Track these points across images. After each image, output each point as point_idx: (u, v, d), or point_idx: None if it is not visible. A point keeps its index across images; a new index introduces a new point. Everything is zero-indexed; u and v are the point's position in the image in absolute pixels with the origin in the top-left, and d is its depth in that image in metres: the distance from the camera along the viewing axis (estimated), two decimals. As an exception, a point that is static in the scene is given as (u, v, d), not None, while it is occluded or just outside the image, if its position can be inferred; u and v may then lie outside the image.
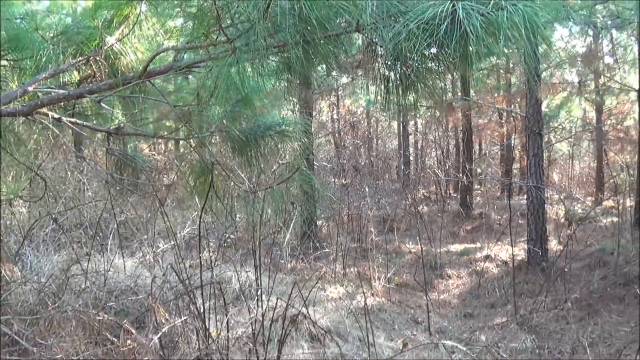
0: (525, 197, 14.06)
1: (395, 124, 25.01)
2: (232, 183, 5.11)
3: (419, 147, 22.64)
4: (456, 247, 14.01)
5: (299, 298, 6.56)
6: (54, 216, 9.14)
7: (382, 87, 4.20)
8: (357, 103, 22.71)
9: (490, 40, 3.48)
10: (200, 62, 4.31)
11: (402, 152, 20.86)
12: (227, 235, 10.07)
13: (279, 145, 5.60)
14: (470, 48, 3.49)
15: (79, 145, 13.75)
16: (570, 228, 11.90)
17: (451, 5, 3.31)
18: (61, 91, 4.55)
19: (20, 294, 6.68)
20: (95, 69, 4.97)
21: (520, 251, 13.05)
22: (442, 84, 4.71)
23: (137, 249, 10.57)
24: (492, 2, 3.38)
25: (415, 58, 3.84)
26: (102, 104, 4.53)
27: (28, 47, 5.46)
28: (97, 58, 4.94)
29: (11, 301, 6.29)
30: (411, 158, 21.62)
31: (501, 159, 20.59)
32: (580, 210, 16.17)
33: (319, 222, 13.32)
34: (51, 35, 5.30)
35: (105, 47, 4.82)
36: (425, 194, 19.63)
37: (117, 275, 8.47)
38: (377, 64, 4.15)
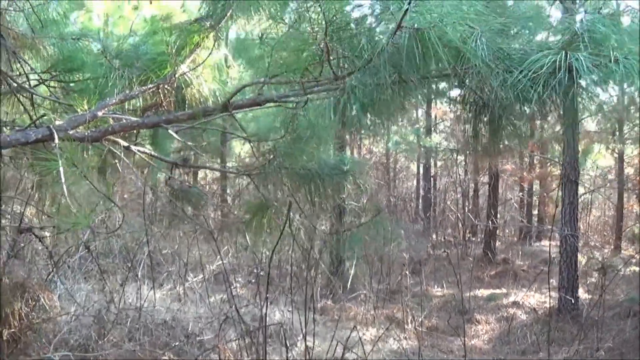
0: (547, 243, 13.69)
1: (413, 165, 24.73)
2: (305, 222, 4.77)
3: (438, 188, 22.25)
4: (482, 292, 13.61)
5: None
6: (87, 244, 8.83)
7: (470, 129, 4.09)
8: (377, 143, 22.42)
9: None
10: (287, 96, 4.02)
11: (423, 193, 20.56)
12: (259, 271, 9.71)
13: (341, 185, 5.31)
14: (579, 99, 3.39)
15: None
16: (602, 277, 11.51)
17: (564, 56, 3.18)
18: (133, 118, 4.26)
19: (61, 324, 6.36)
20: (162, 98, 4.68)
21: (546, 298, 12.66)
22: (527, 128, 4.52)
23: (164, 280, 10.25)
24: (605, 54, 3.26)
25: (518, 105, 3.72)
26: (173, 135, 4.22)
27: (86, 69, 5.20)
28: (167, 86, 4.67)
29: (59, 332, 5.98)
30: (433, 200, 21.22)
31: (520, 204, 20.21)
32: (600, 259, 15.78)
33: (347, 262, 12.94)
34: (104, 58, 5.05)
35: (178, 75, 4.54)
36: (445, 237, 19.25)
37: (152, 308, 8.16)
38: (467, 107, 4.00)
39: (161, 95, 4.68)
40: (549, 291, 11.00)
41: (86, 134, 4.07)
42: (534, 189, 19.86)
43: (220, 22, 4.88)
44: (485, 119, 4.25)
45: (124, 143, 4.31)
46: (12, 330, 5.94)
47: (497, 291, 13.72)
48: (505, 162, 17.41)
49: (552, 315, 11.13)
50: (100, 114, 4.20)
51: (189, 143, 4.70)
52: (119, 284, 8.39)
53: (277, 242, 4.85)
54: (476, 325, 11.37)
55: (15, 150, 5.04)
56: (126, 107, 4.82)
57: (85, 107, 4.15)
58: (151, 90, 4.59)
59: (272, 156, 4.47)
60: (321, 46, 3.44)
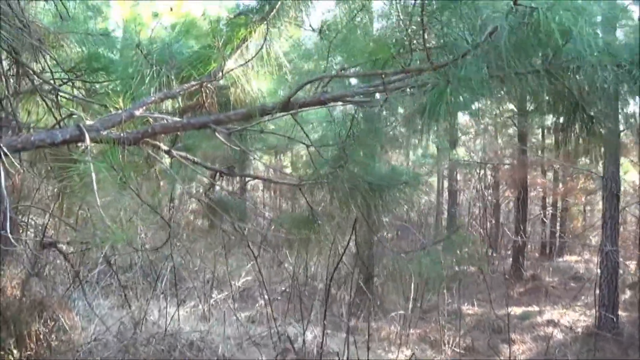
0: (572, 258, 13.05)
1: (432, 179, 24.06)
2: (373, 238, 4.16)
3: (459, 203, 21.54)
4: (514, 310, 12.90)
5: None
6: (108, 258, 8.26)
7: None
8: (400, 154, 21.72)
9: None
10: (358, 94, 3.41)
11: (447, 208, 19.92)
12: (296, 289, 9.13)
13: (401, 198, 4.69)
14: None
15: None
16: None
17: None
18: (176, 119, 3.65)
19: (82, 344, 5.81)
20: (204, 97, 4.08)
21: (581, 316, 12.06)
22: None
23: (187, 297, 9.67)
24: None
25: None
26: (232, 138, 3.61)
27: (114, 67, 4.64)
28: (209, 85, 4.07)
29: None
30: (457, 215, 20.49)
31: (544, 218, 19.47)
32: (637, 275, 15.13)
33: (376, 279, 12.28)
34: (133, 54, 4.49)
35: (225, 71, 3.93)
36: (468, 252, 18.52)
37: (177, 327, 7.59)
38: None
39: (203, 94, 4.08)
40: (596, 308, 10.34)
41: (122, 135, 3.46)
42: (558, 203, 19.15)
43: (271, 13, 4.29)
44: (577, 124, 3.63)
45: (164, 147, 3.71)
46: (29, 352, 5.39)
47: (530, 309, 13.05)
48: (536, 175, 16.79)
49: (592, 335, 10.50)
50: (138, 113, 3.61)
51: (247, 148, 4.07)
52: (142, 301, 7.79)
53: (338, 261, 4.22)
54: (512, 345, 10.70)
55: (36, 154, 4.48)
56: (163, 107, 4.23)
57: (121, 105, 3.56)
58: (193, 88, 3.99)
59: (338, 164, 3.84)
60: (409, 31, 2.81)
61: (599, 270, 10.88)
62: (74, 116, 4.04)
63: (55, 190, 4.83)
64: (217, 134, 3.71)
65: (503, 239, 17.51)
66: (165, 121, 3.62)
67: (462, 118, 18.65)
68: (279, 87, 5.30)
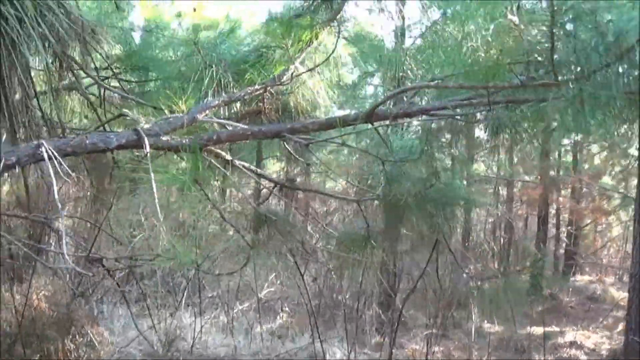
0: (586, 278, 12.60)
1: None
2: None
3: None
4: (534, 330, 12.47)
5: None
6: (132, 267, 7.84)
7: None
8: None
9: None
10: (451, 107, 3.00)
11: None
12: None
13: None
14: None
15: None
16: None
17: None
18: (244, 126, 3.24)
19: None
20: (264, 103, 3.67)
21: (602, 338, 11.68)
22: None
23: (206, 307, 9.27)
24: None
25: None
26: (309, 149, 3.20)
27: (155, 65, 4.25)
28: (270, 89, 3.67)
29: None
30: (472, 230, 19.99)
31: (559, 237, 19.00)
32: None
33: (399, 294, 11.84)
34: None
35: (293, 76, 3.53)
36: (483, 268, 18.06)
37: (200, 340, 7.23)
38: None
39: (264, 100, 3.68)
40: (627, 333, 9.90)
41: (184, 141, 3.06)
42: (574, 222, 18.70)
43: (338, 14, 3.90)
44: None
45: (226, 156, 3.30)
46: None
47: (549, 329, 12.60)
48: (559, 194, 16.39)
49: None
50: (200, 117, 3.20)
51: (318, 161, 3.66)
52: (165, 312, 7.39)
53: (415, 285, 3.82)
54: (538, 366, 10.33)
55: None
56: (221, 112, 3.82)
57: (183, 107, 3.16)
58: (257, 92, 3.58)
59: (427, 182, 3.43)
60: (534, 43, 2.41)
61: (626, 294, 10.48)
62: (124, 118, 3.63)
63: (93, 198, 4.41)
64: (284, 143, 3.32)
65: (518, 256, 17.06)
66: (230, 127, 3.21)
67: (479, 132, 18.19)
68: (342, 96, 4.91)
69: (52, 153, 2.74)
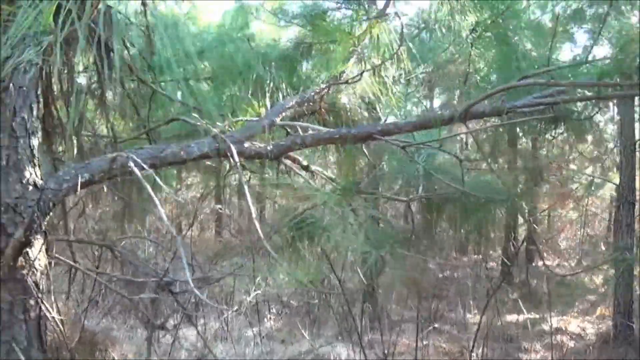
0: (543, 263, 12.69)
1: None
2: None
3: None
4: (514, 317, 12.48)
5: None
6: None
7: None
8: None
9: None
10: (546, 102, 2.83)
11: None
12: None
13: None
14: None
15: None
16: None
17: None
18: (328, 129, 3.01)
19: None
20: (320, 104, 3.45)
21: (584, 323, 11.84)
22: None
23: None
24: None
25: None
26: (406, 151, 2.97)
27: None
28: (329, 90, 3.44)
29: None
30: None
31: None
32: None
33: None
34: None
35: (358, 74, 3.30)
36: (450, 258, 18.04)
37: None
38: None
39: (322, 99, 3.45)
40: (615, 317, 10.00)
41: (268, 148, 2.80)
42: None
43: (387, 8, 3.70)
44: None
45: (303, 161, 3.06)
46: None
47: (531, 316, 12.63)
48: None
49: (609, 342, 10.28)
50: (278, 120, 2.95)
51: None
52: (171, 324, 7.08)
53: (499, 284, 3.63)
54: (529, 354, 10.30)
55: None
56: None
57: (260, 110, 2.91)
58: (323, 92, 3.34)
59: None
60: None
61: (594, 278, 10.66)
62: (184, 121, 3.33)
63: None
64: (363, 147, 3.08)
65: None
66: (310, 131, 2.97)
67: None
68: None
69: (140, 165, 2.46)
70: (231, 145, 2.64)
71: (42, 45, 2.43)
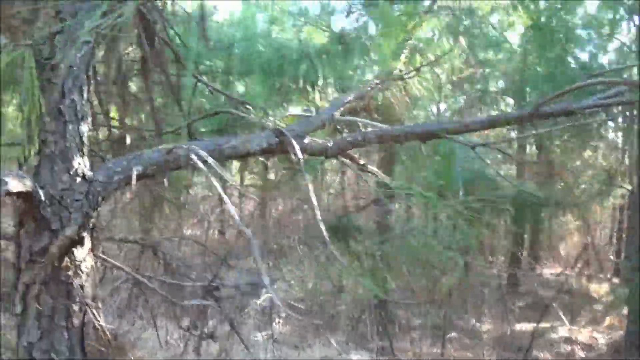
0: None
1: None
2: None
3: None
4: (522, 327, 12.29)
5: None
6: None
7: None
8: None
9: None
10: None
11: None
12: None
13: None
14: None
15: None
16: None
17: None
18: (395, 126, 2.82)
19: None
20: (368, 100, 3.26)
21: (596, 333, 11.69)
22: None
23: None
24: None
25: None
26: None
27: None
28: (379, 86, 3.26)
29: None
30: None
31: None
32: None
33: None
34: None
35: (414, 69, 3.12)
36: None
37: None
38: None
39: (367, 97, 3.26)
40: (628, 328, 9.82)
41: (329, 144, 2.62)
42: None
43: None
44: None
45: (360, 160, 2.87)
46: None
47: (540, 325, 12.45)
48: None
49: (620, 352, 10.07)
50: (337, 114, 2.77)
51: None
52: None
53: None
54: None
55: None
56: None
57: (323, 104, 2.73)
58: (378, 87, 3.16)
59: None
60: None
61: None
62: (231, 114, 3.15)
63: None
64: (421, 146, 2.89)
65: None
66: (371, 128, 2.78)
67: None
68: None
69: (203, 158, 2.27)
70: (293, 141, 2.45)
71: (100, 22, 2.23)
